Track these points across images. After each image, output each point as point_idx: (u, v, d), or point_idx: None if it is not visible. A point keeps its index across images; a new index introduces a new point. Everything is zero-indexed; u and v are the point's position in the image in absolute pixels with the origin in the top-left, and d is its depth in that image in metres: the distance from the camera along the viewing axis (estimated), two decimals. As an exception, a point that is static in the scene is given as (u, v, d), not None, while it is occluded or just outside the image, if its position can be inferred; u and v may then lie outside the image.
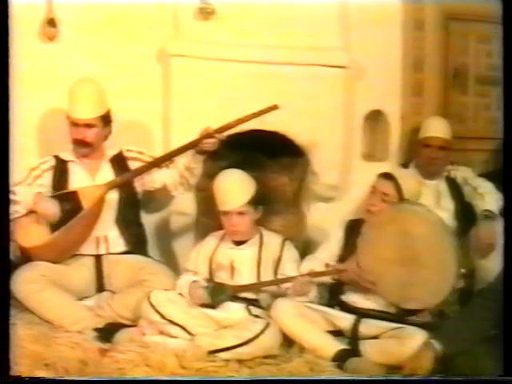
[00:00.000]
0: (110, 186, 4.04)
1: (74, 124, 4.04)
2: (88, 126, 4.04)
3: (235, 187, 3.90)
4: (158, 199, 4.40)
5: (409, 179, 3.96)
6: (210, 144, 3.93)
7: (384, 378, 3.38)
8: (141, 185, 4.16)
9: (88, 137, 4.05)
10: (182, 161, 4.04)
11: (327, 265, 3.82)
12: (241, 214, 3.87)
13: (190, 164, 4.02)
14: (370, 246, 3.71)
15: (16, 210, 3.88)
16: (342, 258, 3.88)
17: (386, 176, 3.90)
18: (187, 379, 3.38)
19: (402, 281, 3.61)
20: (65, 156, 4.14)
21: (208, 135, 3.92)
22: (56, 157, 4.14)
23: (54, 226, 3.90)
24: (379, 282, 3.66)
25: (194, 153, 3.99)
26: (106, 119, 4.10)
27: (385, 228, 3.69)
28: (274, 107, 3.98)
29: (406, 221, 3.67)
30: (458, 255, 3.56)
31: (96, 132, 4.07)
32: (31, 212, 3.91)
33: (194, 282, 3.87)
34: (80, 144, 4.06)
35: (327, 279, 3.81)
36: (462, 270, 3.70)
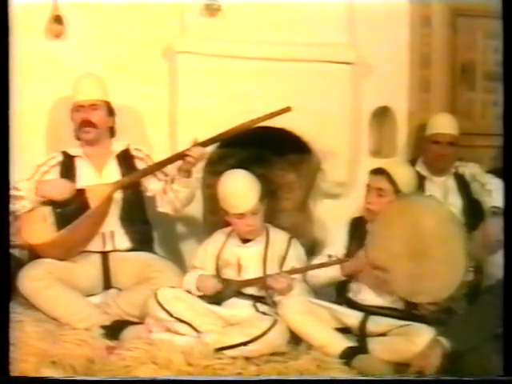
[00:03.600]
0: (118, 185, 4.04)
1: (80, 107, 4.08)
2: (93, 106, 4.07)
3: (245, 189, 3.88)
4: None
5: (401, 170, 3.92)
6: (194, 158, 3.90)
7: (386, 379, 3.36)
8: (143, 185, 4.16)
9: (93, 117, 4.07)
10: (169, 180, 4.03)
11: (330, 256, 3.80)
12: (254, 213, 3.87)
13: (174, 185, 3.99)
14: (379, 237, 3.69)
15: (21, 205, 3.90)
16: (349, 255, 3.86)
17: (378, 171, 3.87)
18: (194, 379, 3.37)
19: (411, 274, 3.57)
20: (72, 151, 4.15)
21: (193, 146, 3.90)
22: (64, 152, 4.15)
23: (61, 224, 3.90)
24: (388, 275, 3.65)
25: (178, 175, 3.97)
26: (109, 107, 4.14)
27: (394, 220, 3.66)
28: (287, 109, 3.96)
29: (416, 213, 3.64)
30: (467, 248, 3.54)
31: (101, 115, 4.10)
32: (42, 204, 3.92)
33: (202, 275, 3.87)
34: (86, 125, 4.07)
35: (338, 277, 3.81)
36: (470, 267, 3.68)
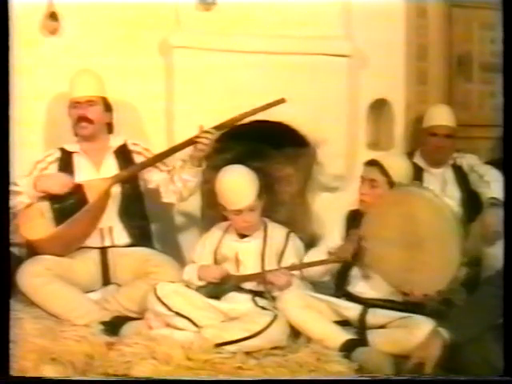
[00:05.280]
0: (116, 179, 4.03)
1: (77, 103, 4.08)
2: (89, 102, 4.07)
3: (243, 185, 3.86)
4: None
5: (394, 162, 3.91)
6: (205, 143, 3.90)
7: (386, 378, 3.35)
8: (143, 179, 4.16)
9: (90, 113, 4.07)
10: (178, 170, 4.02)
11: (330, 252, 3.80)
12: (252, 209, 3.86)
13: (183, 174, 3.99)
14: (374, 227, 3.68)
15: (20, 200, 3.90)
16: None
17: (371, 163, 3.87)
18: (195, 379, 3.36)
19: (404, 264, 3.56)
20: (70, 147, 4.15)
21: (203, 131, 3.89)
22: (61, 149, 4.15)
23: (60, 219, 3.90)
24: (381, 264, 3.65)
25: (188, 163, 3.97)
26: (106, 103, 4.14)
27: (389, 210, 3.65)
28: (281, 101, 3.96)
29: (412, 204, 3.62)
30: (463, 242, 3.53)
31: (97, 111, 4.10)
32: (41, 199, 3.92)
33: (204, 265, 3.89)
34: (82, 121, 4.07)
35: (335, 265, 3.80)
36: (464, 262, 3.67)
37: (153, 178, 4.11)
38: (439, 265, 3.50)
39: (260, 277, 3.82)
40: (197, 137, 3.91)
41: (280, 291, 3.75)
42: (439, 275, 3.51)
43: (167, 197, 4.11)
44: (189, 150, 3.99)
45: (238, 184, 3.86)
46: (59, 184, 3.93)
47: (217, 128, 3.96)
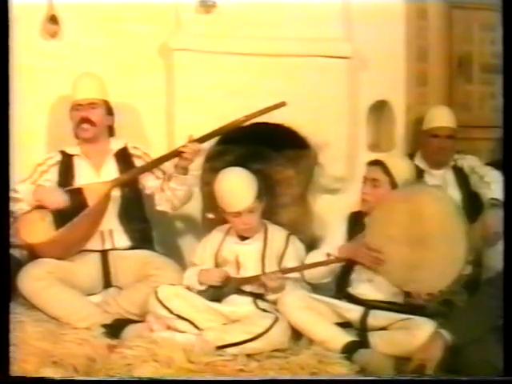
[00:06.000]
0: (116, 183, 4.04)
1: (79, 105, 4.09)
2: (91, 105, 4.09)
3: (241, 187, 3.86)
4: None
5: (397, 162, 3.91)
6: (191, 154, 3.91)
7: (387, 378, 3.34)
8: (142, 183, 4.17)
9: (92, 115, 4.08)
10: (166, 179, 4.03)
11: (328, 254, 3.80)
12: (251, 211, 3.85)
13: (170, 183, 4.00)
14: (379, 224, 3.68)
15: (19, 207, 3.91)
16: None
17: (374, 163, 3.88)
18: (196, 379, 3.36)
19: (408, 262, 3.56)
20: (70, 150, 4.16)
21: (188, 142, 3.91)
22: (62, 152, 4.16)
23: (60, 223, 3.90)
24: (386, 262, 3.63)
25: (174, 172, 3.98)
26: (108, 107, 4.16)
27: (397, 207, 3.64)
28: (281, 104, 3.97)
29: (418, 201, 3.61)
30: (468, 240, 3.53)
31: (99, 113, 4.11)
32: (37, 207, 3.92)
33: (203, 269, 3.88)
34: (84, 122, 4.08)
35: (336, 267, 3.80)
36: (469, 260, 3.67)
37: (148, 184, 4.12)
38: (445, 262, 3.49)
39: (256, 280, 3.82)
40: (182, 147, 3.92)
41: (273, 294, 3.76)
42: (444, 273, 3.50)
43: (161, 204, 4.11)
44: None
45: (236, 186, 3.85)
46: (52, 199, 3.93)
47: (218, 131, 3.99)
